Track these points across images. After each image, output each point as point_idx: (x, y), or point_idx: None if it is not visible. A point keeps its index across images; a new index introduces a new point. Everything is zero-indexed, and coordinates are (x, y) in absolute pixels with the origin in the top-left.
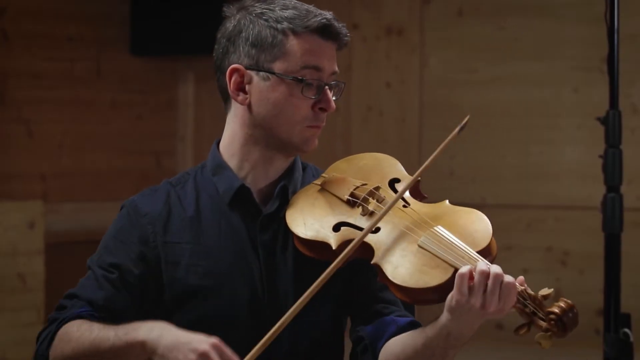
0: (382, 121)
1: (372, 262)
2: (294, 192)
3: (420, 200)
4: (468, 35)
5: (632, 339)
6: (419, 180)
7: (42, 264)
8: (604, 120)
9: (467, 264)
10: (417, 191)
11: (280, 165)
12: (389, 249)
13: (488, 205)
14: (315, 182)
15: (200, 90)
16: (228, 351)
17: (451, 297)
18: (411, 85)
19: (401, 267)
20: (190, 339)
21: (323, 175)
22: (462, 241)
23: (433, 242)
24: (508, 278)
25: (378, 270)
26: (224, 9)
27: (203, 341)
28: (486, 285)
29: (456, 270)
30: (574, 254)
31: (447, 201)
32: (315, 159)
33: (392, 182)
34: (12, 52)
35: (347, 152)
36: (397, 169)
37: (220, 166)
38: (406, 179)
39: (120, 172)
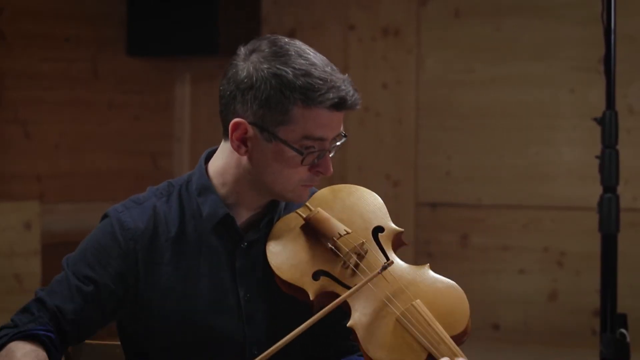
0: (378, 122)
1: (348, 325)
2: (278, 218)
3: (400, 247)
4: (465, 36)
5: (628, 339)
6: (402, 232)
7: (39, 264)
8: (600, 121)
9: (441, 350)
10: (399, 240)
11: (267, 199)
12: (365, 315)
13: (485, 206)
14: (299, 212)
15: (197, 91)
16: None
17: None
18: (408, 86)
19: (377, 339)
20: None
21: (308, 205)
22: (439, 323)
23: (411, 319)
24: None
25: (353, 332)
26: (238, 51)
27: None
28: None
29: (429, 354)
30: (571, 255)
31: (427, 266)
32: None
33: (376, 232)
34: (9, 52)
35: (344, 152)
36: (381, 214)
37: (207, 189)
38: (389, 229)
39: (117, 173)
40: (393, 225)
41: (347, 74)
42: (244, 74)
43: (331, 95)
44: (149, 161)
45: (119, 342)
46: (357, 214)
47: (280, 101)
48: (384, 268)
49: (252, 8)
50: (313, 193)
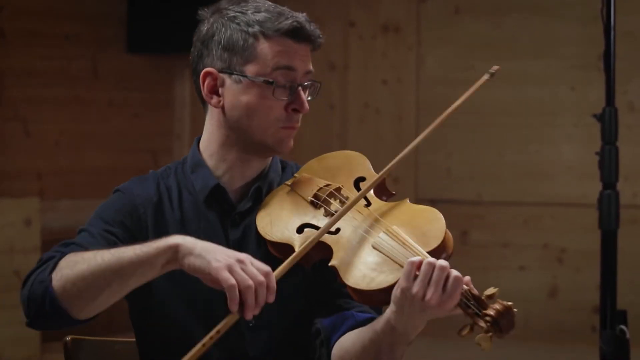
0: (378, 119)
1: (329, 265)
2: (269, 193)
3: (387, 199)
4: (465, 34)
5: (628, 335)
6: (384, 179)
7: None
8: (600, 118)
9: None
10: (383, 189)
11: (256, 166)
12: (345, 250)
13: (485, 203)
14: (287, 182)
15: None
16: (259, 262)
17: (397, 286)
18: (408, 84)
19: (355, 269)
20: (225, 248)
21: (295, 175)
22: (414, 241)
23: (386, 242)
24: (455, 272)
25: (335, 271)
26: (199, 11)
27: (237, 252)
28: (431, 276)
29: None
30: (571, 252)
31: (407, 200)
32: (311, 156)
33: (357, 182)
34: (9, 50)
35: (343, 149)
36: (364, 167)
37: (199, 164)
38: (371, 176)
39: (117, 170)
40: (375, 174)
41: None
42: (206, 29)
43: (288, 21)
44: (149, 159)
45: (118, 339)
46: (341, 171)
47: (242, 38)
48: (361, 197)
49: None
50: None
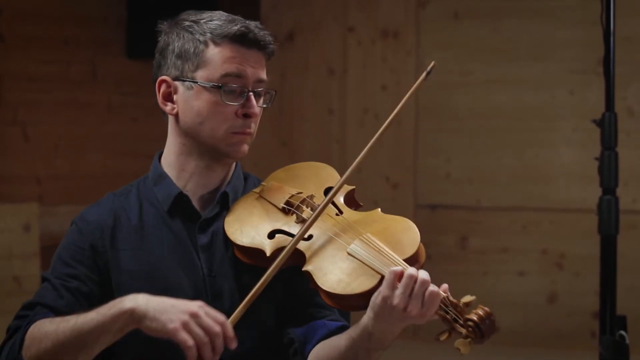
0: (377, 124)
1: (302, 269)
2: (235, 200)
3: (355, 209)
4: (464, 38)
5: (627, 341)
6: (353, 189)
7: (38, 266)
8: (599, 123)
9: None
10: (352, 200)
11: (218, 174)
12: (319, 256)
13: (484, 208)
14: (254, 190)
15: None
16: (212, 312)
17: (377, 294)
18: (407, 88)
19: (330, 274)
20: (177, 302)
21: (262, 183)
22: (389, 249)
23: (361, 249)
24: (433, 287)
25: (309, 277)
26: (158, 24)
27: (190, 303)
28: (412, 289)
29: (382, 277)
30: (570, 257)
31: (379, 209)
32: (310, 160)
33: (327, 191)
34: (8, 54)
35: (343, 154)
36: (334, 177)
37: (161, 176)
38: (342, 188)
39: (115, 174)
40: (345, 185)
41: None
42: (163, 40)
43: (237, 27)
44: (148, 163)
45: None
46: (309, 181)
47: (194, 45)
48: (329, 201)
49: (250, 10)
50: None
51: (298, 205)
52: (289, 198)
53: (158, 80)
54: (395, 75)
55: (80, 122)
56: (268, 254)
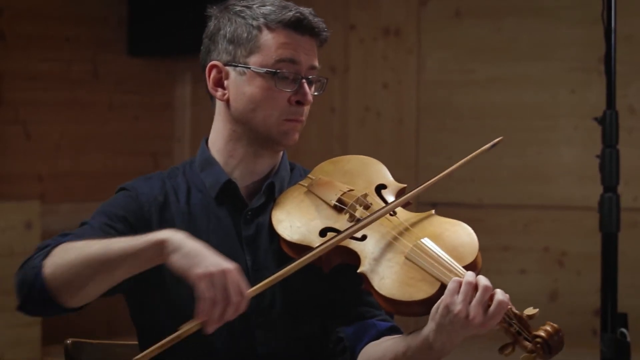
0: (379, 122)
1: (358, 271)
2: (281, 191)
3: (405, 208)
4: (465, 36)
5: (629, 338)
6: (405, 188)
7: None
8: (601, 121)
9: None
10: (399, 197)
11: (266, 162)
12: (375, 259)
13: (485, 206)
14: (301, 183)
15: (197, 91)
16: (241, 280)
17: (438, 304)
18: (408, 86)
19: (387, 278)
20: (214, 254)
21: (309, 176)
22: (448, 255)
23: (420, 254)
24: (502, 295)
25: (364, 278)
26: (207, 9)
27: (225, 262)
28: (473, 296)
29: (442, 284)
30: (571, 255)
31: (433, 211)
32: (312, 159)
33: (379, 189)
34: (9, 53)
35: (344, 153)
36: (383, 174)
37: (208, 162)
38: (392, 185)
39: (117, 173)
40: (396, 183)
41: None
42: (213, 24)
43: (291, 13)
44: (150, 161)
45: (118, 342)
46: (358, 177)
47: (247, 30)
48: (390, 209)
49: None
50: (306, 173)
51: (352, 204)
52: (341, 195)
53: (208, 66)
54: (397, 74)
55: (82, 120)
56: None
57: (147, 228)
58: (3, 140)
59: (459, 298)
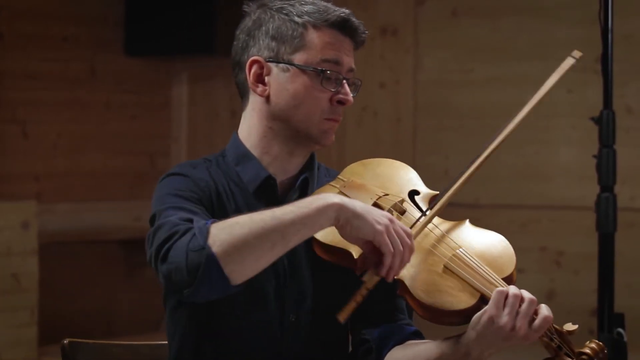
0: (376, 121)
1: (395, 277)
2: (313, 187)
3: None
4: (462, 36)
5: (626, 338)
6: (437, 194)
7: (36, 264)
8: (598, 121)
9: (493, 290)
10: (434, 204)
11: (298, 160)
12: (413, 266)
13: (482, 206)
14: (332, 183)
15: (194, 90)
16: (401, 222)
17: (482, 313)
18: (405, 86)
19: (427, 286)
20: (373, 208)
21: (340, 177)
22: (487, 266)
23: (459, 264)
24: (546, 309)
25: (401, 284)
26: (244, 7)
27: (385, 212)
28: (519, 308)
29: (482, 295)
30: (569, 254)
31: (467, 220)
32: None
33: (412, 195)
34: (6, 52)
35: (341, 152)
36: (415, 180)
37: (246, 156)
38: (425, 191)
39: (114, 173)
40: (428, 189)
41: None
42: (252, 20)
43: (337, 13)
44: (147, 161)
45: (115, 342)
46: (390, 181)
47: (292, 28)
48: (430, 218)
49: None
50: (335, 175)
51: (389, 209)
52: (377, 200)
53: (249, 61)
54: (394, 73)
55: (79, 120)
56: (356, 256)
57: (212, 214)
58: (0, 140)
59: (506, 310)
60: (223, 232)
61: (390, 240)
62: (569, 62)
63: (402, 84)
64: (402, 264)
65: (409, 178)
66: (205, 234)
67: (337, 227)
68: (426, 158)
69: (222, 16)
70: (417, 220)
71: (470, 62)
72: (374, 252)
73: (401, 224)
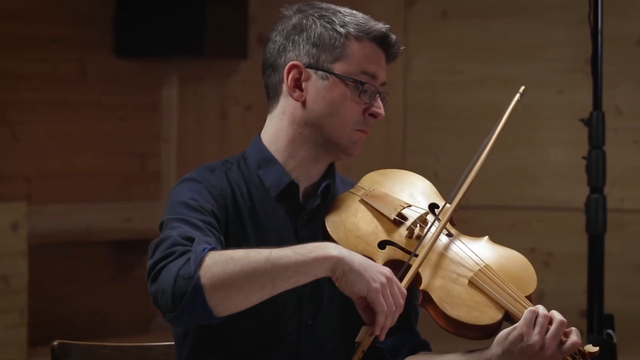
0: None
1: (421, 288)
2: (334, 194)
3: (453, 227)
4: (452, 37)
5: (615, 339)
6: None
7: (26, 265)
8: (587, 122)
9: (518, 308)
10: (453, 219)
11: (321, 167)
12: (437, 278)
13: (472, 207)
14: (352, 191)
15: (184, 92)
16: (397, 281)
17: (510, 330)
18: (395, 87)
19: (453, 299)
20: (374, 264)
21: (360, 186)
22: (511, 284)
23: (485, 279)
24: (576, 334)
25: (425, 296)
26: (282, 9)
27: (382, 267)
28: (548, 328)
29: (507, 312)
30: (558, 255)
31: (487, 237)
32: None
33: (432, 207)
34: None
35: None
36: (433, 193)
37: (269, 160)
38: (442, 204)
39: (104, 174)
40: (444, 201)
41: None
42: (292, 24)
43: (378, 27)
44: (137, 162)
45: (105, 343)
46: (410, 193)
47: (334, 37)
48: (445, 224)
49: (239, 9)
50: (352, 185)
51: (415, 221)
52: (402, 210)
53: (289, 65)
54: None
55: (70, 121)
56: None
57: (226, 222)
58: None
59: (536, 329)
60: (216, 266)
61: (385, 300)
62: (516, 97)
63: (391, 84)
64: (392, 324)
65: (429, 191)
66: (199, 262)
67: (332, 279)
68: (416, 159)
69: (212, 18)
70: (439, 232)
71: (461, 63)
72: (367, 309)
73: (398, 283)
